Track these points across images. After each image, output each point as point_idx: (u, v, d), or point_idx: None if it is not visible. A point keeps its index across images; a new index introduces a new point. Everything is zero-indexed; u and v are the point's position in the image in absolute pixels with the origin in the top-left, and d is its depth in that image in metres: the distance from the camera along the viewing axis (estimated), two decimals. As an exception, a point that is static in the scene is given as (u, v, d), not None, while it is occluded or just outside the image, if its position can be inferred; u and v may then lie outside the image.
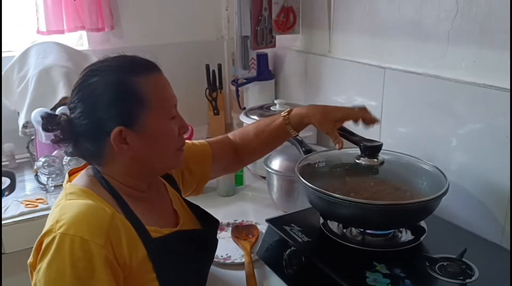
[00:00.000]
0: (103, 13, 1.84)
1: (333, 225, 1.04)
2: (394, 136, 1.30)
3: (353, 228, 1.03)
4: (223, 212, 1.33)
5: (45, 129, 0.86)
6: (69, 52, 1.71)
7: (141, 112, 0.81)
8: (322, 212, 1.03)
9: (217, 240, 1.00)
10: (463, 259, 0.90)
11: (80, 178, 0.86)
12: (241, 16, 1.57)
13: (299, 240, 0.99)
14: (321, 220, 1.05)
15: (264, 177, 1.55)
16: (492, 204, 1.06)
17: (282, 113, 1.05)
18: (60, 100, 1.54)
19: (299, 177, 1.00)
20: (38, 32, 1.77)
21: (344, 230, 1.03)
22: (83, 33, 1.90)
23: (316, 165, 1.06)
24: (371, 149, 1.02)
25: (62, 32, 1.80)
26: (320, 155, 1.12)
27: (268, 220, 1.08)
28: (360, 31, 1.41)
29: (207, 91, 2.02)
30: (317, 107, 1.05)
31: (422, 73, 1.20)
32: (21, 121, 1.59)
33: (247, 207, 1.40)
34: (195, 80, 2.07)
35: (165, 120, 0.84)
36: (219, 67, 2.01)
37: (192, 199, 1.02)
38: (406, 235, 1.01)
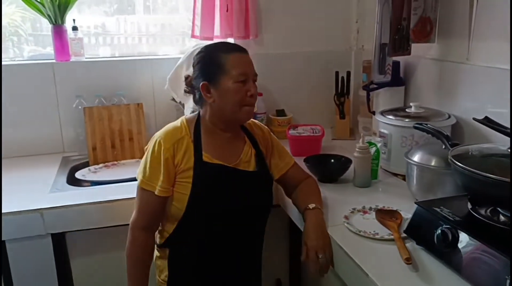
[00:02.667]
0: (249, 24, 2.10)
1: (481, 212, 1.11)
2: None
3: (501, 215, 1.10)
4: (360, 200, 1.45)
5: (186, 83, 1.37)
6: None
7: (219, 75, 1.26)
8: (474, 195, 1.11)
9: (263, 192, 1.38)
10: None
11: (192, 115, 1.38)
12: (382, 25, 1.70)
13: (451, 218, 1.08)
14: (469, 206, 1.14)
15: (396, 174, 1.65)
16: None
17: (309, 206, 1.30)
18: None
19: (452, 161, 1.10)
20: (193, 36, 2.08)
21: (494, 217, 1.10)
22: (230, 39, 2.16)
23: (470, 154, 1.14)
24: (526, 140, 1.08)
25: (211, 38, 2.08)
26: (470, 147, 1.20)
27: (417, 202, 1.19)
28: (502, 37, 1.46)
29: (335, 96, 2.18)
30: (316, 231, 1.24)
31: None
32: (187, 111, 1.86)
33: (382, 197, 1.50)
34: (324, 86, 2.25)
35: (233, 83, 1.26)
36: (348, 74, 2.16)
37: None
38: (559, 225, 1.06)
